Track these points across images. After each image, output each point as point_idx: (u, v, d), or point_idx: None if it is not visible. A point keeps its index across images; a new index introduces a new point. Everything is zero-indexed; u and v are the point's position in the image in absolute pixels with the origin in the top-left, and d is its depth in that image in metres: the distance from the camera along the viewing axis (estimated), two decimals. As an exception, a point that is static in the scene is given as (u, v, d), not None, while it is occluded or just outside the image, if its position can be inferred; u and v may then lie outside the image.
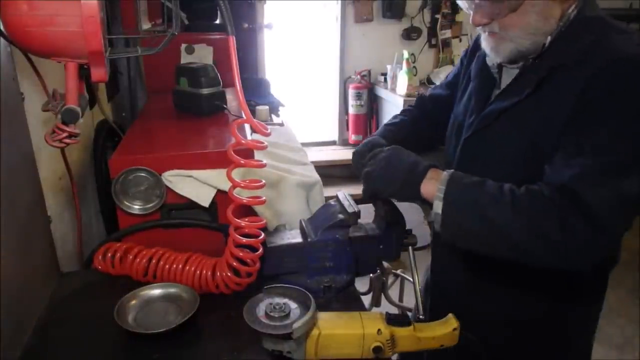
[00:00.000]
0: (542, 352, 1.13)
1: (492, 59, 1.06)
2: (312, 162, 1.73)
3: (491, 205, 0.88)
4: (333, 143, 4.38)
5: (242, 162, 0.94)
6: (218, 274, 1.05)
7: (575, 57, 0.91)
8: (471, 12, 0.98)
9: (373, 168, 1.03)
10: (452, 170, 0.97)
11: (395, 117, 1.34)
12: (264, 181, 1.01)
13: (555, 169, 0.89)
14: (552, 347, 1.13)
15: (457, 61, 1.34)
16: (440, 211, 0.92)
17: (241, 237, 0.99)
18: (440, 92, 1.32)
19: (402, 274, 1.41)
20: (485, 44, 1.03)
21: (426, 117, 1.31)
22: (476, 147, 1.08)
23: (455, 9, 4.01)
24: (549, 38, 0.95)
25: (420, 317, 0.97)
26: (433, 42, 4.15)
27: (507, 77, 1.06)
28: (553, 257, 0.86)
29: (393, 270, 1.12)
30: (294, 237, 1.10)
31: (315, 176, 1.55)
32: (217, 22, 2.49)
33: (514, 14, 0.93)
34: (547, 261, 0.88)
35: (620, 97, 0.86)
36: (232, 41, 0.86)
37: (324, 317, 0.89)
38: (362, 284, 1.13)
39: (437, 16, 4.07)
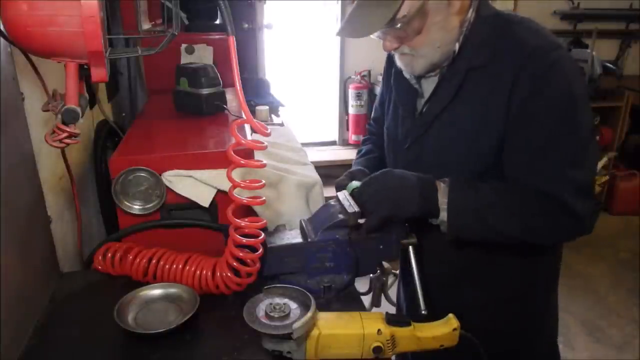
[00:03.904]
0: (516, 317, 1.17)
1: (409, 73, 1.12)
2: (312, 162, 1.73)
3: (490, 214, 0.99)
4: (333, 143, 4.37)
5: (242, 162, 0.94)
6: (218, 274, 1.05)
7: (488, 55, 0.99)
8: (381, 40, 1.03)
9: (376, 196, 1.02)
10: (449, 180, 1.01)
11: (359, 150, 1.41)
12: (264, 181, 1.01)
13: (523, 173, 0.99)
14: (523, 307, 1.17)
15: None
16: (445, 219, 1.00)
17: (241, 237, 0.99)
18: (379, 114, 1.37)
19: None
20: (400, 63, 1.09)
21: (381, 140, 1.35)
22: (417, 155, 1.13)
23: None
24: (457, 45, 1.02)
25: (423, 312, 1.01)
26: (433, 42, 4.15)
27: (428, 85, 1.11)
28: (551, 238, 1.05)
29: (393, 270, 1.12)
30: (294, 237, 1.09)
31: (315, 176, 1.55)
32: (217, 22, 2.49)
33: (419, 35, 0.99)
34: (542, 241, 1.05)
35: (548, 97, 0.95)
36: (232, 41, 0.86)
37: (324, 317, 0.89)
38: (362, 284, 1.13)
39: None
